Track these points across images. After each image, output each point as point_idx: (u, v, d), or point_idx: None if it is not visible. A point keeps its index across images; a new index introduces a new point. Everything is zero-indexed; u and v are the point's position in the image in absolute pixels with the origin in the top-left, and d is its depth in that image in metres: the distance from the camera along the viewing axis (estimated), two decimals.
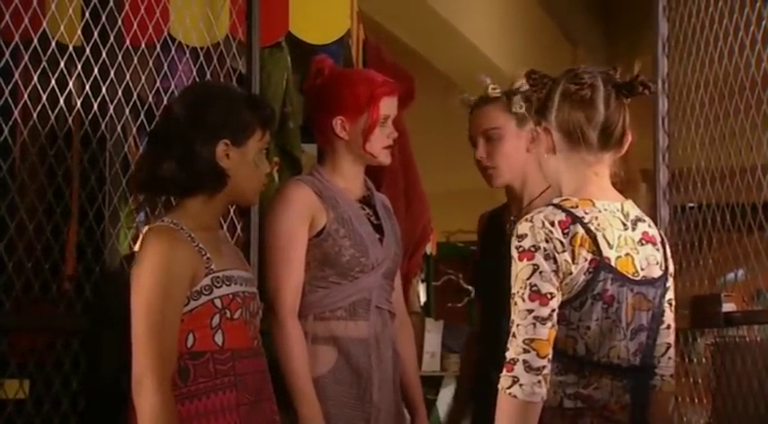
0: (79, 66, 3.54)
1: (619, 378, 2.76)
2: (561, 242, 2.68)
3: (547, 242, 2.68)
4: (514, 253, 2.70)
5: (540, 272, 2.66)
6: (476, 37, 8.31)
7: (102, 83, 3.54)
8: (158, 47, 3.75)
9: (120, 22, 3.60)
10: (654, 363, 2.88)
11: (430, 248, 7.94)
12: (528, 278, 2.67)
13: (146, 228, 3.07)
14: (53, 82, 3.50)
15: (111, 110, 3.53)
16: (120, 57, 3.58)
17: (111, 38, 3.55)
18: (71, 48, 3.55)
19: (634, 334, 2.77)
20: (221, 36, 3.84)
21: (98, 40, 3.54)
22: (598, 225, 2.72)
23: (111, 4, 3.57)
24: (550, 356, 2.65)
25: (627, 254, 2.75)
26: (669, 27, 4.27)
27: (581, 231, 2.69)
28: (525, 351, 2.63)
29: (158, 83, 3.75)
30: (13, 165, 3.51)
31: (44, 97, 3.49)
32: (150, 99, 3.70)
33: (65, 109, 3.54)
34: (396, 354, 3.57)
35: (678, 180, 4.22)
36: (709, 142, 4.10)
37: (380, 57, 5.07)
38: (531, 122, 3.34)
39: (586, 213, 2.73)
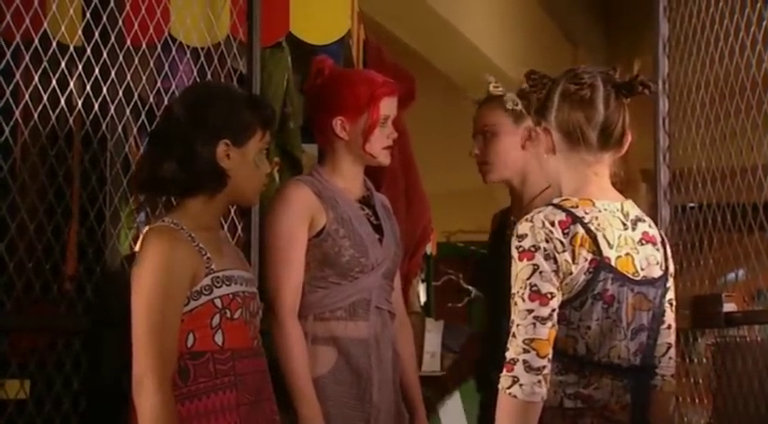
0: (80, 67, 3.54)
1: (619, 378, 2.76)
2: (561, 242, 2.68)
3: (547, 242, 2.68)
4: (514, 253, 2.71)
5: (541, 272, 2.67)
6: (476, 37, 8.32)
7: (102, 84, 3.54)
8: (159, 47, 3.76)
9: (120, 22, 3.60)
10: (654, 363, 2.88)
11: (430, 248, 7.94)
12: (528, 278, 2.67)
13: (146, 228, 3.07)
14: (54, 82, 3.50)
15: (112, 111, 3.53)
16: (120, 58, 3.58)
17: (112, 38, 3.55)
18: (72, 49, 3.55)
19: (634, 334, 2.77)
20: (222, 36, 3.84)
21: (99, 41, 3.54)
22: (598, 224, 2.72)
23: (112, 4, 3.57)
24: (550, 356, 2.66)
25: (627, 254, 2.76)
26: (670, 27, 4.27)
27: (581, 231, 2.70)
28: (525, 351, 2.63)
29: (159, 84, 3.75)
30: (14, 165, 3.51)
31: (45, 97, 3.49)
32: (151, 99, 3.70)
33: (66, 109, 3.54)
34: (396, 354, 3.57)
35: (679, 180, 4.22)
36: (709, 142, 4.10)
37: (381, 58, 5.08)
38: (527, 120, 3.35)
39: (586, 213, 2.73)
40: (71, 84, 3.54)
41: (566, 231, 2.69)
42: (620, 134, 2.79)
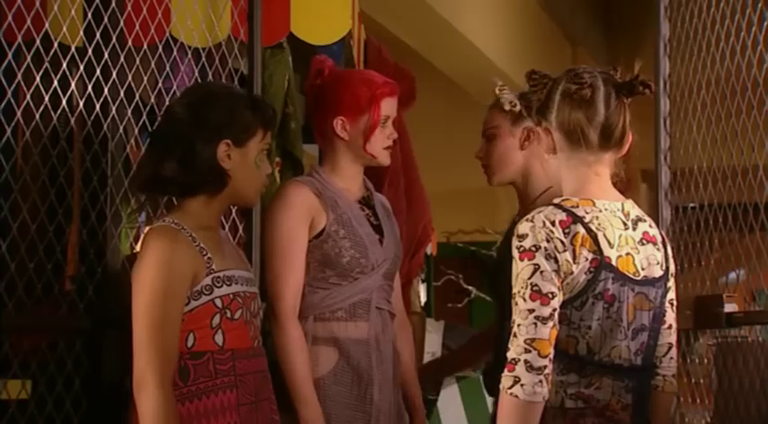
0: (81, 67, 3.53)
1: (620, 378, 2.76)
2: (562, 242, 2.68)
3: (548, 241, 2.68)
4: (515, 253, 2.71)
5: (541, 272, 2.67)
6: (476, 38, 8.32)
7: (104, 84, 3.54)
8: (160, 47, 3.75)
9: (122, 22, 3.60)
10: (655, 363, 2.88)
11: (430, 248, 7.95)
12: (529, 278, 2.67)
13: (147, 228, 3.07)
14: (55, 82, 3.50)
15: (114, 111, 3.54)
16: (122, 58, 3.58)
17: (114, 38, 3.55)
18: (73, 49, 3.55)
19: (635, 334, 2.77)
20: (223, 36, 3.84)
21: (100, 41, 3.54)
22: (599, 224, 2.73)
23: (114, 4, 3.57)
24: (552, 355, 2.66)
25: (627, 254, 2.76)
26: (670, 28, 4.27)
27: (582, 230, 2.70)
28: (526, 351, 2.64)
29: (160, 84, 3.75)
30: (15, 166, 3.51)
31: (46, 98, 3.49)
32: (152, 99, 3.70)
33: (67, 109, 3.54)
34: (396, 354, 3.57)
35: (680, 180, 4.22)
36: (710, 142, 4.10)
37: (382, 58, 5.08)
38: (525, 121, 3.35)
39: (587, 212, 2.73)
40: (72, 85, 3.54)
41: (566, 230, 2.69)
42: (621, 134, 2.80)
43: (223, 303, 2.97)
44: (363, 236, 3.48)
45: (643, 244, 2.80)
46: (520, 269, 2.69)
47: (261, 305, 3.20)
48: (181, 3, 3.78)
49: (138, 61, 3.66)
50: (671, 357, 2.92)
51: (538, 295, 2.66)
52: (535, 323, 2.65)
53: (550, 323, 2.66)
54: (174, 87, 3.74)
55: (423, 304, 9.28)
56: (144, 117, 3.66)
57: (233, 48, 3.85)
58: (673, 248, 3.05)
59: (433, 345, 7.90)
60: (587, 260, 2.69)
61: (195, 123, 2.99)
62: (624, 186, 2.88)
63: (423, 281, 9.30)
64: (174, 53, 3.79)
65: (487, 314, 10.35)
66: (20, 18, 3.49)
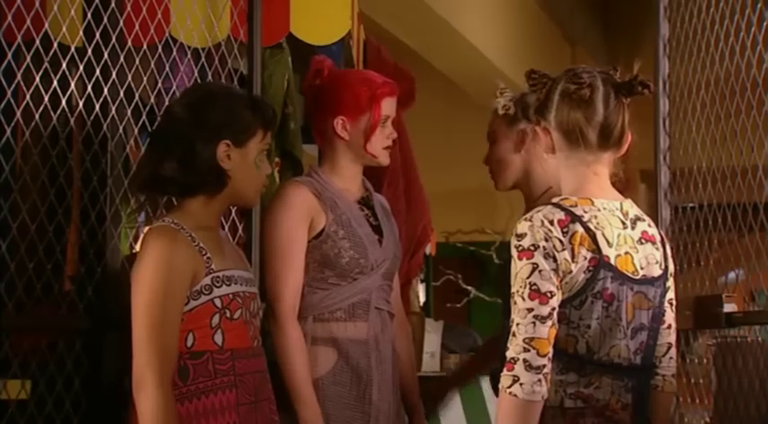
0: (81, 67, 3.54)
1: (620, 377, 2.76)
2: (560, 241, 2.69)
3: (546, 240, 2.68)
4: (514, 252, 2.71)
5: (540, 271, 2.67)
6: (475, 38, 8.32)
7: (103, 84, 3.54)
8: (160, 47, 3.75)
9: (121, 22, 3.60)
10: (655, 363, 2.88)
11: (429, 248, 7.95)
12: (528, 277, 2.67)
13: (146, 228, 3.07)
14: (55, 82, 3.51)
15: (113, 111, 3.54)
16: (121, 58, 3.58)
17: (113, 38, 3.56)
18: (73, 49, 3.55)
19: (634, 333, 2.77)
20: (222, 37, 3.84)
21: (100, 41, 3.54)
22: (597, 223, 2.73)
23: (113, 4, 3.57)
24: (551, 354, 2.66)
25: (626, 253, 2.76)
26: (670, 28, 4.26)
27: (580, 229, 2.70)
28: (525, 350, 2.64)
29: (160, 84, 3.75)
30: (14, 166, 3.51)
31: (46, 98, 3.49)
32: (152, 99, 3.70)
33: (66, 109, 3.54)
34: (395, 355, 3.57)
35: (679, 180, 4.22)
36: (710, 142, 4.10)
37: (381, 58, 5.08)
38: (520, 123, 3.35)
39: (585, 212, 2.74)
40: (72, 85, 3.55)
41: (565, 229, 2.69)
42: (620, 134, 2.80)
43: (222, 303, 2.97)
44: (363, 237, 3.48)
45: (642, 244, 2.80)
46: (519, 269, 2.69)
47: (260, 305, 3.20)
48: (180, 3, 3.78)
49: (137, 61, 3.66)
50: (670, 357, 2.92)
51: (536, 294, 2.66)
52: (534, 322, 2.65)
53: (549, 322, 2.66)
54: (174, 87, 3.74)
55: (422, 304, 9.29)
56: (143, 117, 3.66)
57: (232, 48, 3.85)
58: (672, 248, 3.05)
59: (432, 345, 7.90)
60: (586, 259, 2.70)
61: (195, 123, 2.99)
62: (623, 186, 2.88)
63: (422, 281, 9.31)
64: (174, 53, 3.79)
65: (486, 314, 10.40)
66: (19, 18, 3.49)
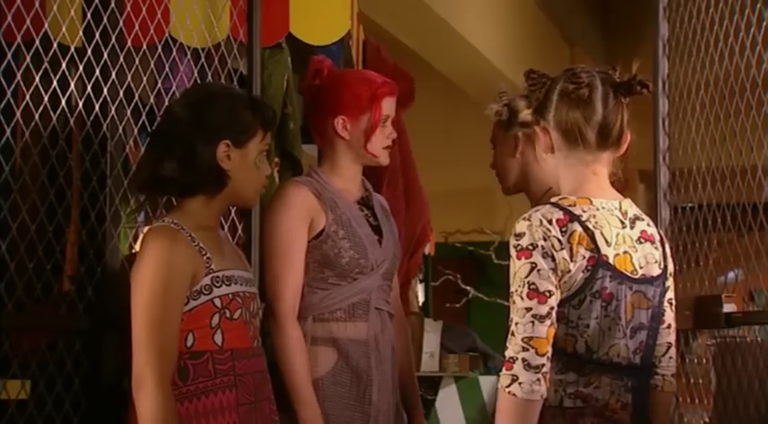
0: (81, 67, 3.54)
1: (620, 377, 2.76)
2: (559, 240, 2.69)
3: (545, 240, 2.68)
4: (512, 252, 2.71)
5: (539, 270, 2.67)
6: (474, 38, 8.33)
7: (103, 84, 3.54)
8: (159, 48, 3.75)
9: (121, 22, 3.60)
10: (654, 362, 2.88)
11: (428, 248, 7.97)
12: (526, 276, 2.67)
13: (146, 228, 3.08)
14: (55, 83, 3.50)
15: (113, 111, 3.54)
16: (121, 58, 3.58)
17: (113, 39, 3.56)
18: (72, 49, 3.55)
19: (634, 332, 2.77)
20: (222, 37, 3.84)
21: (99, 41, 3.54)
22: (596, 223, 2.73)
23: (113, 5, 3.57)
24: (549, 354, 2.66)
25: (625, 252, 2.76)
26: (669, 28, 4.26)
27: (579, 229, 2.70)
28: (524, 349, 2.64)
29: (159, 84, 3.75)
30: (14, 166, 3.51)
31: (46, 98, 3.49)
32: (151, 100, 3.70)
33: (66, 110, 3.54)
34: (395, 355, 3.57)
35: (678, 180, 4.22)
36: (709, 143, 4.10)
37: (380, 58, 5.09)
38: (514, 128, 3.35)
39: (584, 211, 2.74)
40: (72, 85, 3.54)
41: (563, 229, 2.70)
42: (619, 133, 2.80)
43: (222, 303, 2.98)
44: (362, 237, 3.49)
45: (641, 243, 2.81)
46: (517, 268, 2.70)
47: (260, 306, 3.20)
48: (180, 3, 3.78)
49: (137, 61, 3.66)
50: (670, 357, 2.92)
51: (535, 293, 2.66)
52: (532, 322, 2.65)
53: (548, 322, 2.66)
54: (174, 87, 3.74)
55: (420, 304, 9.29)
56: (143, 117, 3.66)
57: (232, 48, 3.85)
58: (671, 248, 3.05)
59: (431, 345, 7.91)
60: (584, 258, 2.70)
61: (195, 123, 2.99)
62: (621, 186, 2.89)
63: (420, 281, 9.31)
64: (174, 53, 3.79)
65: (485, 314, 10.40)
66: (19, 18, 3.49)
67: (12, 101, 3.45)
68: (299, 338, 3.38)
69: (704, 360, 4.25)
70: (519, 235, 2.71)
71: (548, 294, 2.67)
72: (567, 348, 2.72)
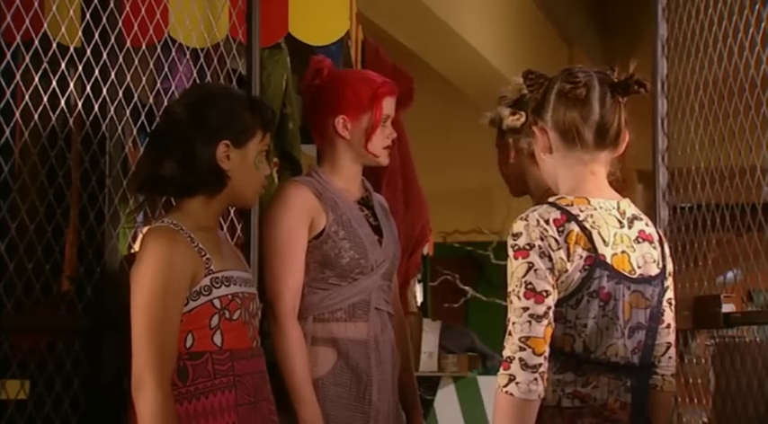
0: (80, 67, 3.53)
1: (618, 377, 2.76)
2: (556, 240, 2.69)
3: (542, 239, 2.69)
4: (510, 251, 2.72)
5: (535, 270, 2.68)
6: (473, 38, 8.34)
7: (102, 84, 3.53)
8: (159, 48, 3.75)
9: (120, 23, 3.59)
10: (654, 362, 2.88)
11: (427, 248, 7.98)
12: (523, 276, 2.68)
13: (146, 229, 3.08)
14: (54, 83, 3.50)
15: (112, 111, 3.53)
16: (120, 58, 3.58)
17: (112, 39, 3.55)
18: (72, 50, 3.55)
19: (632, 332, 2.77)
20: (221, 37, 3.84)
21: (99, 41, 3.53)
22: (593, 222, 2.73)
23: (112, 5, 3.56)
24: (547, 353, 2.66)
25: (623, 252, 2.76)
26: (668, 28, 4.26)
27: (576, 228, 2.71)
28: (521, 349, 2.64)
29: (159, 85, 3.74)
30: (13, 166, 3.51)
31: (45, 98, 3.48)
32: (150, 100, 3.69)
33: (65, 110, 3.54)
34: (395, 355, 3.57)
35: (677, 180, 4.22)
36: (708, 143, 4.10)
37: (379, 58, 5.09)
38: (506, 134, 3.36)
39: (581, 211, 2.74)
40: (71, 85, 3.54)
41: (560, 229, 2.70)
42: (617, 133, 2.80)
43: (222, 303, 2.98)
44: (363, 237, 3.49)
45: (639, 243, 2.81)
46: (514, 268, 2.70)
47: (259, 306, 3.20)
48: (179, 3, 3.78)
49: (136, 61, 3.66)
50: (669, 357, 2.92)
51: (532, 293, 2.67)
52: (530, 321, 2.66)
53: (545, 321, 2.66)
54: (173, 88, 3.74)
55: (419, 304, 9.30)
56: (142, 117, 3.66)
57: (231, 48, 3.85)
58: (670, 248, 3.05)
59: (430, 345, 7.91)
60: (581, 257, 2.70)
61: (195, 124, 3.00)
62: (620, 186, 2.89)
63: (419, 281, 9.32)
64: (173, 53, 3.79)
65: (484, 314, 10.41)
66: (18, 18, 3.48)
67: (11, 101, 3.44)
68: (299, 338, 3.38)
69: (703, 360, 4.24)
70: (516, 235, 2.71)
71: (545, 293, 2.67)
72: (564, 347, 2.72)
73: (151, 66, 3.71)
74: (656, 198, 4.23)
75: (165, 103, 3.57)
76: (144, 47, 3.68)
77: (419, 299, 9.43)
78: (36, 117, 3.47)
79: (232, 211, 3.71)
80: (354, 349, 3.45)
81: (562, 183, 2.83)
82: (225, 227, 3.62)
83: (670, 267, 2.89)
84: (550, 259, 2.68)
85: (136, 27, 3.66)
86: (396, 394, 3.58)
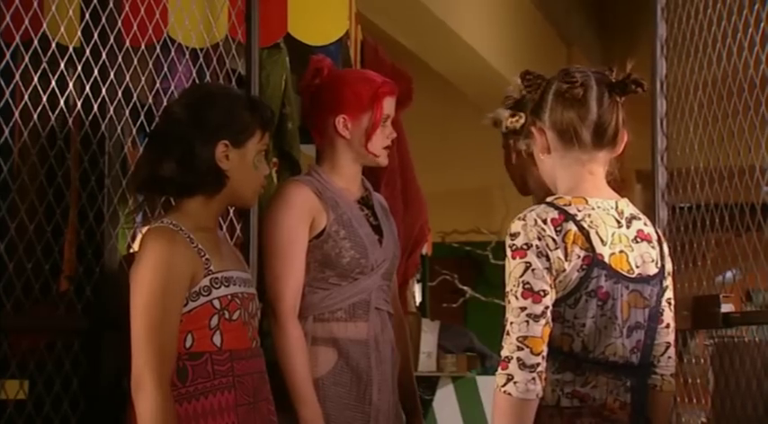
0: (79, 67, 3.53)
1: (617, 376, 2.76)
2: (554, 240, 2.69)
3: (539, 239, 2.69)
4: (507, 251, 2.72)
5: (533, 270, 2.68)
6: (472, 38, 8.34)
7: (101, 84, 3.53)
8: (158, 48, 3.75)
9: (119, 23, 3.59)
10: (653, 362, 2.88)
11: (425, 248, 7.98)
12: (521, 276, 2.68)
13: (145, 229, 3.08)
14: (53, 83, 3.50)
15: (111, 111, 3.53)
16: (119, 58, 3.58)
17: (111, 39, 3.55)
18: (71, 49, 3.55)
19: (630, 332, 2.78)
20: (220, 37, 3.84)
21: (98, 41, 3.53)
22: (591, 222, 2.74)
23: (111, 5, 3.56)
24: (545, 353, 2.67)
25: (621, 252, 2.76)
26: (667, 28, 4.27)
27: (573, 228, 2.71)
28: (519, 349, 2.65)
29: (158, 84, 3.74)
30: (13, 166, 3.51)
31: (44, 98, 3.48)
32: (150, 100, 3.69)
33: (65, 110, 3.54)
34: (395, 355, 3.57)
35: (676, 180, 4.22)
36: (707, 143, 4.11)
37: (378, 58, 5.09)
38: (507, 136, 3.36)
39: (579, 210, 2.74)
40: (70, 85, 3.54)
41: (558, 228, 2.70)
42: (614, 132, 2.80)
43: (221, 304, 2.98)
44: (363, 237, 3.49)
45: (637, 242, 2.81)
46: (512, 268, 2.70)
47: (259, 306, 3.20)
48: (178, 3, 3.78)
49: (135, 61, 3.66)
50: (669, 357, 2.92)
51: (530, 292, 2.67)
52: (527, 321, 2.66)
53: (543, 321, 2.67)
54: (172, 88, 3.74)
55: (418, 304, 9.30)
56: (142, 117, 3.66)
57: (230, 48, 3.85)
58: (669, 248, 3.05)
59: (429, 345, 7.91)
60: (579, 257, 2.70)
61: (194, 123, 3.00)
62: (618, 186, 2.89)
63: (418, 281, 9.32)
64: (172, 53, 3.79)
65: (482, 314, 10.42)
66: (18, 18, 3.48)
67: (10, 101, 3.44)
68: (299, 337, 3.38)
69: (702, 360, 4.24)
70: (514, 235, 2.72)
71: (542, 293, 2.67)
72: (563, 347, 2.73)
73: (150, 66, 3.71)
74: (655, 198, 4.23)
75: (165, 103, 3.57)
76: (143, 47, 3.68)
77: (418, 299, 9.43)
78: (35, 117, 3.47)
79: (232, 211, 3.71)
80: (354, 349, 3.45)
81: (560, 183, 2.84)
82: (224, 227, 3.62)
83: (669, 266, 2.89)
84: (548, 258, 2.69)
85: (135, 27, 3.66)
86: (396, 394, 3.58)
